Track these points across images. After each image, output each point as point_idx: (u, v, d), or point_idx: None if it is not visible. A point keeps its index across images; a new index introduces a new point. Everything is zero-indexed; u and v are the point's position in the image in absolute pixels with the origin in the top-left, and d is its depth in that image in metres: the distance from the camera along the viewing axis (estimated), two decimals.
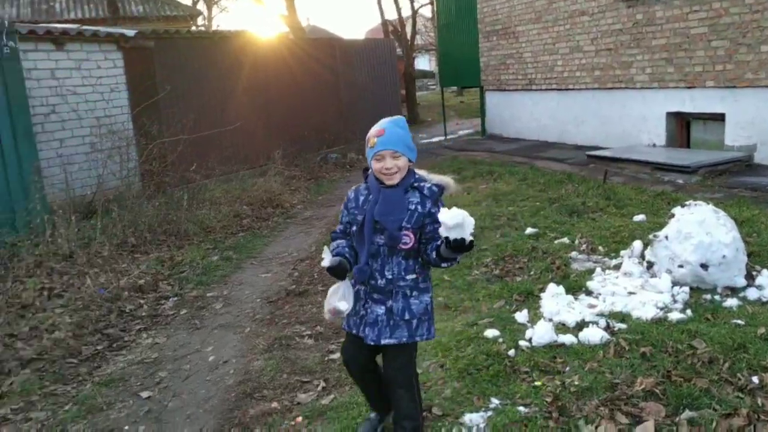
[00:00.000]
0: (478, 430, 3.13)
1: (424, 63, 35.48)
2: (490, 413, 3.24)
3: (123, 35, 9.36)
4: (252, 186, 9.70)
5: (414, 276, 2.73)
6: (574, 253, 5.44)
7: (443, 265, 2.64)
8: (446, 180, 2.76)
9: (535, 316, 4.26)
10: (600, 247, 5.53)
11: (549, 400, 3.25)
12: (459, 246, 2.39)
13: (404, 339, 2.75)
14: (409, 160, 2.71)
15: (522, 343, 3.91)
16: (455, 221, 2.36)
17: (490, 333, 4.09)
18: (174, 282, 6.08)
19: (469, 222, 2.39)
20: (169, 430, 3.57)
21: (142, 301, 5.55)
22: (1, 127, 6.92)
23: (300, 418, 3.45)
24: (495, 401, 3.34)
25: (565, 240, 5.82)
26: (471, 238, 2.41)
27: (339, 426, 3.28)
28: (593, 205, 7.01)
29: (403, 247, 2.65)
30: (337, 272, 2.63)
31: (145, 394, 3.97)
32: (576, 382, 3.38)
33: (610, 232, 5.91)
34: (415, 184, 2.71)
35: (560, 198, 7.49)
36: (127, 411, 3.79)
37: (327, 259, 2.59)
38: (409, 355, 2.83)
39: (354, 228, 2.75)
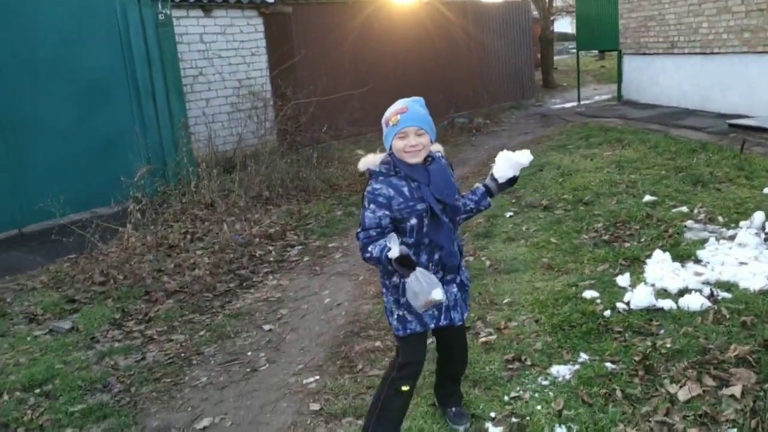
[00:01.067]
0: (563, 380, 3.29)
1: (565, 25, 34.11)
2: (577, 366, 3.39)
3: (264, 2, 9.97)
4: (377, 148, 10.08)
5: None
6: (689, 222, 5.30)
7: (483, 209, 2.87)
8: (437, 146, 2.70)
9: (637, 281, 4.28)
10: (719, 218, 5.35)
11: (637, 358, 3.34)
12: (515, 181, 2.82)
13: (468, 307, 2.86)
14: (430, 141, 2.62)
15: (619, 305, 3.97)
16: (527, 160, 2.77)
17: (589, 294, 4.18)
18: (300, 232, 6.59)
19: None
20: (285, 357, 4.03)
21: (270, 248, 6.10)
22: (157, 87, 7.75)
23: None
24: (584, 356, 3.47)
25: (684, 209, 5.67)
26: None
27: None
28: (722, 175, 6.69)
29: (461, 215, 2.72)
30: (409, 262, 2.40)
31: (267, 327, 4.46)
32: (668, 345, 3.42)
33: (734, 203, 5.67)
34: (434, 155, 2.66)
35: (688, 167, 7.20)
36: (251, 340, 4.30)
37: (395, 248, 2.36)
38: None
39: (413, 222, 2.53)
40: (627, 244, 5.04)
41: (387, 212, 2.52)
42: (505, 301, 4.32)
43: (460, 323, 2.77)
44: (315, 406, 3.41)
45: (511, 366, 3.50)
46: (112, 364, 4.03)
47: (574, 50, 18.82)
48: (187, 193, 7.14)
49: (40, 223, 6.63)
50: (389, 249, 2.38)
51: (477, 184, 2.85)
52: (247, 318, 4.65)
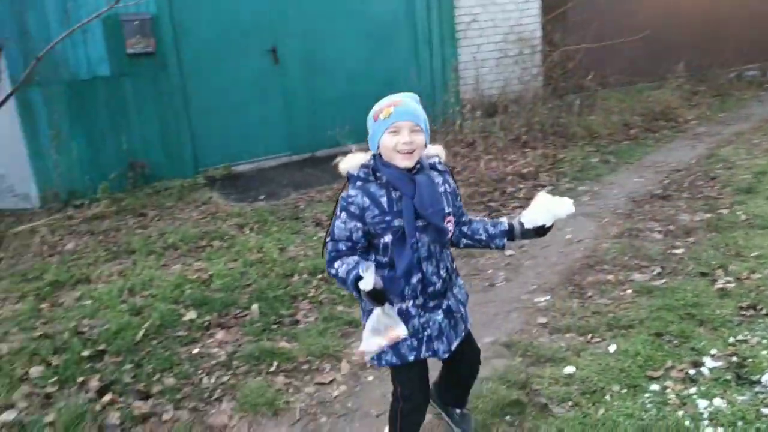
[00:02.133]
0: None
1: None
2: None
3: None
4: (647, 98, 9.71)
5: (453, 262, 2.44)
6: None
7: (492, 248, 2.46)
8: (438, 148, 2.42)
9: None
10: None
11: None
12: (545, 232, 2.37)
13: (463, 333, 2.49)
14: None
15: None
16: (566, 212, 2.32)
17: None
18: (552, 174, 6.84)
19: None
20: (520, 278, 4.45)
21: (521, 186, 6.47)
22: (433, 33, 8.46)
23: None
24: None
25: None
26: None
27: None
28: None
29: (449, 236, 2.33)
30: (382, 296, 2.11)
31: (508, 252, 4.90)
32: None
33: None
34: (428, 163, 2.32)
35: None
36: (492, 261, 4.79)
37: (370, 279, 2.03)
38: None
39: (386, 239, 2.23)
40: None
41: (359, 224, 2.22)
42: (752, 254, 4.19)
43: (445, 356, 2.40)
44: (542, 320, 3.80)
45: (744, 312, 3.50)
46: None
47: None
48: (450, 132, 7.77)
49: (329, 149, 7.80)
50: (361, 278, 2.07)
51: (503, 219, 2.46)
52: None
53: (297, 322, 4.08)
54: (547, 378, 3.18)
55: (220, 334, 3.99)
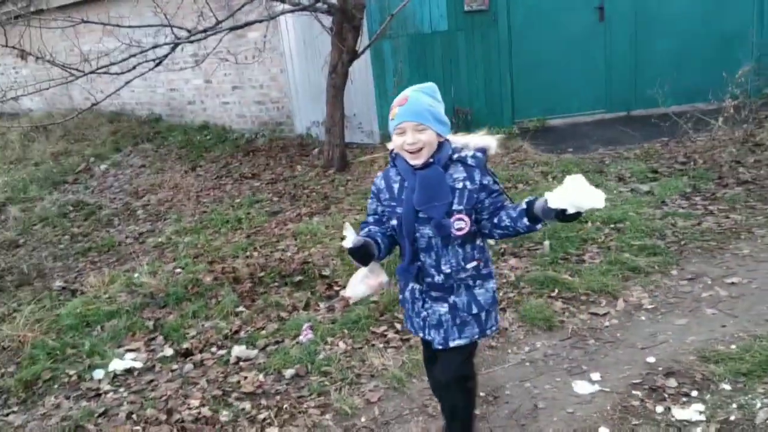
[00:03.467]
0: None
1: None
2: None
3: None
4: None
5: (475, 263, 2.35)
6: None
7: (522, 231, 2.23)
8: (487, 140, 2.32)
9: None
10: None
11: None
12: (573, 218, 2.07)
13: (476, 336, 2.42)
14: (439, 135, 2.25)
15: None
16: (592, 203, 2.00)
17: None
18: None
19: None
20: None
21: None
22: None
23: None
24: None
25: None
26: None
27: None
28: None
29: (458, 233, 2.26)
30: (362, 256, 2.23)
31: None
32: None
33: None
34: (455, 156, 2.29)
35: None
36: None
37: (350, 239, 2.16)
38: (470, 352, 2.49)
39: (394, 222, 2.34)
40: None
41: (378, 203, 2.42)
42: None
43: (440, 347, 2.41)
44: None
45: None
46: (672, 223, 4.88)
47: None
48: None
49: (645, 109, 7.72)
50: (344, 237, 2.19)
51: (527, 198, 2.22)
52: None
53: (583, 260, 4.44)
54: None
55: (513, 261, 4.56)
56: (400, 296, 2.55)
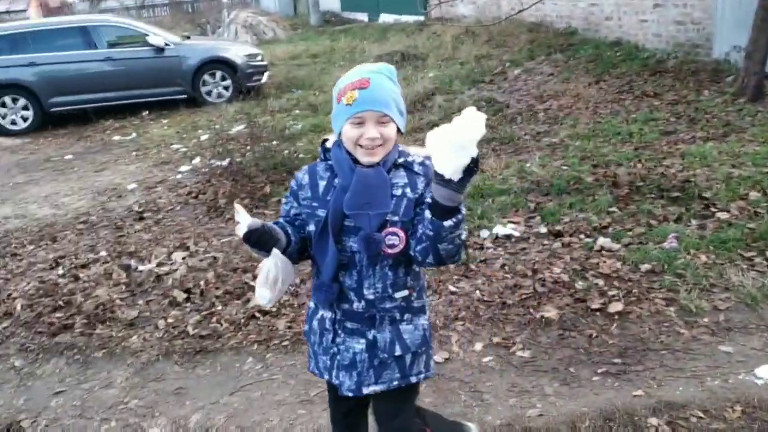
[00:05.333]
0: None
1: None
2: None
3: None
4: None
5: (406, 293, 1.94)
6: None
7: (435, 227, 1.69)
8: (419, 149, 1.88)
9: None
10: None
11: None
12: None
13: (395, 383, 1.98)
14: (398, 131, 1.87)
15: None
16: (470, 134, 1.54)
17: None
18: None
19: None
20: None
21: None
22: None
23: None
24: None
25: None
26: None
27: None
28: None
29: (390, 251, 1.82)
30: (260, 240, 1.80)
31: None
32: None
33: None
34: (401, 160, 1.89)
35: None
36: None
37: (243, 223, 1.79)
38: (406, 401, 2.07)
39: (311, 227, 1.91)
40: None
41: (294, 203, 1.98)
42: None
43: (348, 394, 1.97)
44: None
45: None
46: None
47: None
48: None
49: None
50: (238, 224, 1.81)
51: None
52: None
53: None
54: None
55: None
56: (305, 327, 2.10)
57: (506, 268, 4.06)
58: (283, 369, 3.32)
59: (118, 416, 3.08)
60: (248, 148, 6.73)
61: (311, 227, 1.91)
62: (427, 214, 1.69)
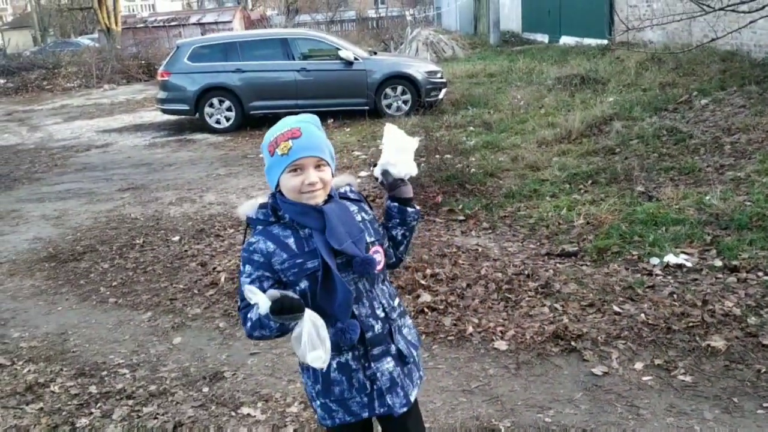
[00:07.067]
0: None
1: None
2: None
3: None
4: None
5: (398, 297, 2.12)
6: None
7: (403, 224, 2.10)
8: (348, 178, 2.08)
9: None
10: None
11: None
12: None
13: (419, 381, 2.12)
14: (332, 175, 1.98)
15: None
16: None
17: None
18: None
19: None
20: None
21: None
22: None
23: None
24: None
25: None
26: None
27: None
28: None
29: (379, 268, 1.98)
30: (291, 305, 1.72)
31: None
32: None
33: None
34: (338, 193, 2.02)
35: None
36: None
37: (261, 298, 1.72)
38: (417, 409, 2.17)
39: (303, 286, 1.89)
40: None
41: (267, 273, 1.90)
42: None
43: (403, 410, 2.01)
44: None
45: None
46: None
47: None
48: None
49: None
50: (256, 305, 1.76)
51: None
52: None
53: None
54: None
55: None
56: (317, 390, 2.01)
57: (675, 296, 4.04)
58: (448, 360, 3.61)
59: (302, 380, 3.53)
60: (423, 159, 7.14)
61: (302, 285, 1.90)
62: (394, 226, 2.09)
